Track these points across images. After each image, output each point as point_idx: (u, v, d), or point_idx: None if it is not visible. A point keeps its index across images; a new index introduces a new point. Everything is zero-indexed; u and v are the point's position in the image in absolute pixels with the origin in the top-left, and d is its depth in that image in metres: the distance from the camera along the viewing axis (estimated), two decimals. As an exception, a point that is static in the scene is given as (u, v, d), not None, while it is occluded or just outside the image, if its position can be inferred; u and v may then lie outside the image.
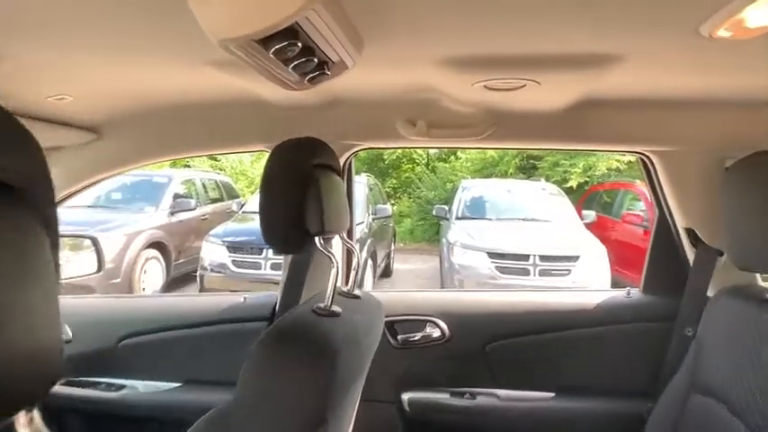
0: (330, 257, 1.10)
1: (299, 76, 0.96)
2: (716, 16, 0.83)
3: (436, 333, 1.81)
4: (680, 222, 1.65)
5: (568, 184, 9.89)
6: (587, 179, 10.08)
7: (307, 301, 1.20)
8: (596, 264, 5.82)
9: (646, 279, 1.81)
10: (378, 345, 1.25)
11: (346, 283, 1.34)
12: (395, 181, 12.72)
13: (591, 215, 6.98)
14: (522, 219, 6.87)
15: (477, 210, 7.16)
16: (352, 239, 1.78)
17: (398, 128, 1.54)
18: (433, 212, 7.49)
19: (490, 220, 6.92)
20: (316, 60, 0.87)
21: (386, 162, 12.73)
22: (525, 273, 5.79)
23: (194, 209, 7.45)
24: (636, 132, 1.51)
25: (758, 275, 1.49)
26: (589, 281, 5.68)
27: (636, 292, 1.82)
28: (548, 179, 9.37)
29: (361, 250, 6.00)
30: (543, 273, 5.77)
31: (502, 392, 1.79)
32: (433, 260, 8.77)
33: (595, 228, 6.92)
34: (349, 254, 1.71)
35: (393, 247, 8.68)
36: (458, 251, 6.10)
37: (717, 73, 1.17)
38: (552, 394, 1.77)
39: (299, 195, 1.03)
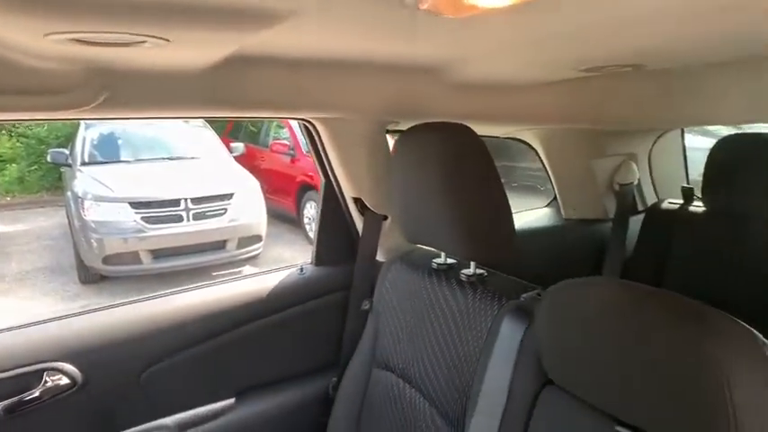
0: None
1: None
2: None
3: (63, 381, 1.27)
4: (347, 191, 1.53)
5: (211, 114, 9.40)
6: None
7: None
8: (251, 198, 5.72)
9: (318, 252, 1.67)
10: None
11: None
12: (-15, 115, 9.65)
13: (240, 147, 6.77)
14: (166, 158, 6.12)
15: (108, 151, 5.97)
16: None
17: None
18: (48, 159, 5.93)
19: (128, 162, 5.92)
20: None
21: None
22: (178, 219, 5.26)
23: None
24: (298, 97, 1.24)
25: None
26: (245, 216, 5.58)
27: (310, 267, 1.67)
28: (188, 109, 8.63)
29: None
30: (198, 216, 5.35)
31: (170, 420, 1.42)
32: (59, 214, 7.18)
33: (245, 159, 6.79)
34: None
35: (-4, 207, 6.73)
36: (90, 206, 5.04)
37: (390, 39, 0.97)
38: (232, 401, 1.51)
39: None
